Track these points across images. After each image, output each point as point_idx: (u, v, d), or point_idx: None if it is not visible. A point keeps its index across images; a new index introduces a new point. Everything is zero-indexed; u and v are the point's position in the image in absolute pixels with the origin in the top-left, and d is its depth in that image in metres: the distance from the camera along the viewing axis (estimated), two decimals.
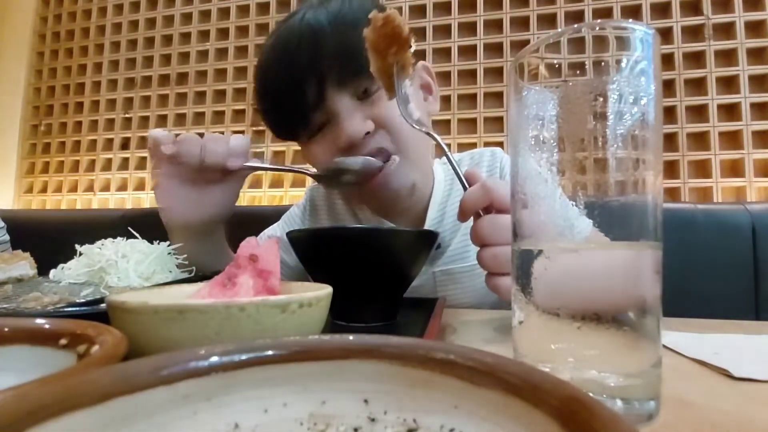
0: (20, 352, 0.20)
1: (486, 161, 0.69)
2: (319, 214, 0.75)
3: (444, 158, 0.50)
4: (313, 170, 0.59)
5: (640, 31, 0.22)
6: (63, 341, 0.20)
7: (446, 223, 0.64)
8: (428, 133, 0.48)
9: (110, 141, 1.92)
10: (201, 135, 0.54)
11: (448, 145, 1.62)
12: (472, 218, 0.43)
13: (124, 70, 1.95)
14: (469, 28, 1.62)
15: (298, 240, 0.43)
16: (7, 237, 1.14)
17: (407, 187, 0.59)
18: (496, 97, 1.57)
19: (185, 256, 0.53)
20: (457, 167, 0.45)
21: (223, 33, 1.86)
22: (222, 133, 1.77)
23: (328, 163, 0.55)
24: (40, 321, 0.21)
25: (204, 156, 0.52)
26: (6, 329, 0.21)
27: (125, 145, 1.91)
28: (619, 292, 0.22)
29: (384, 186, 0.56)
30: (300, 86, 0.54)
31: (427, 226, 0.64)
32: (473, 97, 1.57)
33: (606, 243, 0.22)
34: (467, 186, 0.44)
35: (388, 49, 0.41)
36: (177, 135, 0.53)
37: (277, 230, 0.77)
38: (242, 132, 1.76)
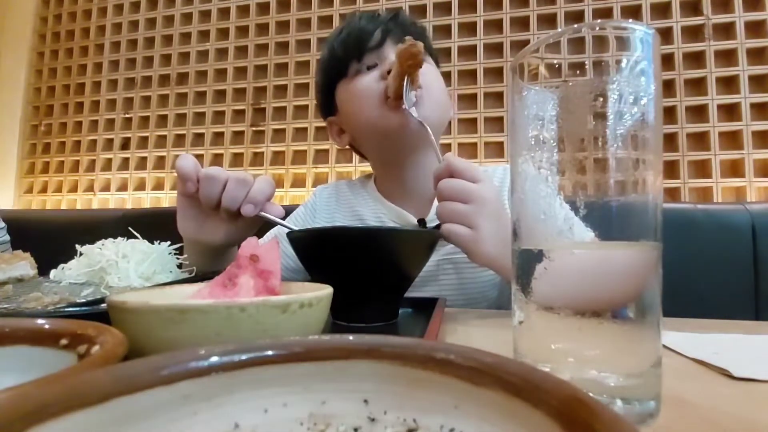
0: (20, 352, 0.20)
1: (498, 175, 0.76)
2: (322, 214, 0.78)
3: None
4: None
5: (640, 31, 0.22)
6: (63, 341, 0.20)
7: None
8: (420, 122, 0.61)
9: (110, 141, 1.92)
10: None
11: (449, 145, 1.61)
12: None
13: (124, 70, 1.94)
14: (469, 28, 1.61)
15: (298, 240, 0.43)
16: (7, 237, 1.14)
17: (415, 126, 0.64)
18: (496, 97, 1.57)
19: (185, 256, 0.54)
20: (435, 143, 0.60)
21: (223, 33, 1.86)
22: (222, 132, 1.78)
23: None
24: (40, 321, 0.21)
25: (222, 200, 0.52)
26: (6, 329, 0.21)
27: (125, 145, 1.91)
28: (619, 293, 0.22)
29: (401, 110, 0.65)
30: (370, 30, 0.69)
31: (433, 212, 0.69)
32: (473, 97, 1.57)
33: (606, 243, 0.22)
34: (441, 159, 0.55)
35: (407, 62, 0.58)
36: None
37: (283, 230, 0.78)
38: (242, 132, 1.76)
